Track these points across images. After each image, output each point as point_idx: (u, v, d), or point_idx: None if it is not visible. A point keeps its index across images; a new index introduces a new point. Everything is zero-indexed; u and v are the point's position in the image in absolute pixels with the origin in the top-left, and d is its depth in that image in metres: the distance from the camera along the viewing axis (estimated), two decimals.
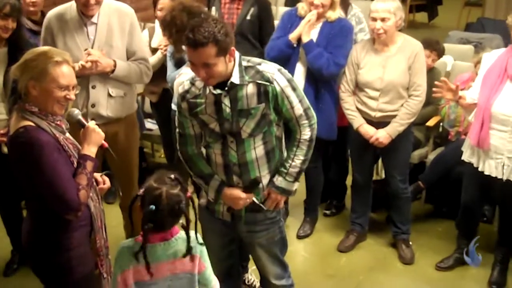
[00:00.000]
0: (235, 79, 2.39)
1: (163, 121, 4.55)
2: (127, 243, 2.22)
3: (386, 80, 3.57)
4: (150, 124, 5.06)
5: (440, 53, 4.50)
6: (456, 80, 4.34)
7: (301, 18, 3.65)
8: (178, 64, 3.96)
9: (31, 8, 4.07)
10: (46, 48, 2.39)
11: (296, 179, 2.59)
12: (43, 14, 3.78)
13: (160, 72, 4.15)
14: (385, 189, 3.96)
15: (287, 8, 5.51)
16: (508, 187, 3.30)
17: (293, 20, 3.71)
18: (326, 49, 3.61)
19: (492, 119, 3.22)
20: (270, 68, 2.45)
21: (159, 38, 4.39)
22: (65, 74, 2.27)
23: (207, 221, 2.72)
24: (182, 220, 2.21)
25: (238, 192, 2.52)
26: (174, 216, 2.15)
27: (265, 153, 2.54)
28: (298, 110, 2.50)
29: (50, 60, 2.24)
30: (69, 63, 2.31)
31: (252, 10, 4.07)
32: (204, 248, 2.31)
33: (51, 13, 3.24)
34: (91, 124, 2.43)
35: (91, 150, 2.36)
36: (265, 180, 2.58)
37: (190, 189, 3.34)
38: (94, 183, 2.43)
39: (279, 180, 2.58)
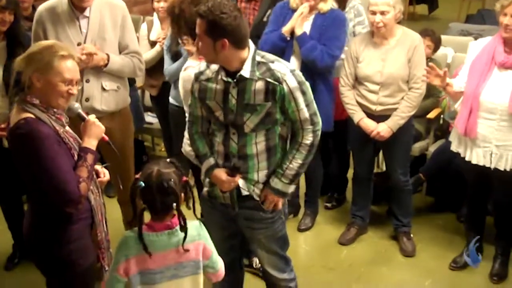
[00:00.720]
0: (245, 72, 2.39)
1: (163, 115, 4.54)
2: (131, 232, 2.22)
3: (386, 73, 3.55)
4: (150, 118, 5.05)
5: (436, 40, 4.45)
6: (456, 71, 4.32)
7: (294, 11, 3.62)
8: (175, 57, 3.95)
9: (25, 5, 4.03)
10: (51, 42, 2.41)
11: (292, 181, 2.57)
12: (34, 9, 3.76)
13: (159, 65, 4.14)
14: (386, 182, 3.96)
15: None
16: (497, 175, 3.30)
17: (285, 13, 3.69)
18: (320, 41, 3.58)
19: (480, 108, 3.21)
20: (282, 68, 2.43)
21: (158, 31, 4.38)
22: (70, 68, 2.28)
23: (209, 213, 2.72)
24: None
25: (222, 174, 2.52)
26: (164, 194, 2.14)
27: (266, 149, 2.53)
28: (304, 114, 2.48)
29: (55, 53, 2.26)
30: (74, 58, 2.32)
31: (269, 12, 4.01)
32: (205, 232, 2.31)
33: (42, 7, 3.22)
34: (91, 117, 2.44)
35: (91, 143, 2.36)
36: (262, 176, 2.57)
37: (191, 181, 3.33)
38: (95, 176, 2.43)
39: (274, 181, 2.57)
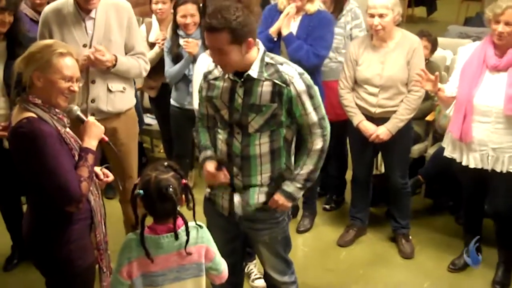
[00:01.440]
0: (253, 72, 2.40)
1: (162, 116, 4.55)
2: (134, 235, 2.22)
3: (385, 76, 3.56)
4: (149, 119, 5.06)
5: (432, 40, 4.45)
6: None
7: (281, 12, 3.63)
8: (176, 59, 3.97)
9: (37, 1, 4.05)
10: (50, 41, 2.41)
11: (303, 186, 2.58)
12: None
13: (158, 66, 4.16)
14: (385, 183, 3.96)
15: None
16: (494, 177, 3.29)
17: (273, 14, 3.70)
18: (306, 41, 3.59)
19: (474, 111, 3.21)
20: (290, 71, 2.43)
21: (157, 33, 4.39)
22: (69, 65, 2.30)
23: (211, 216, 2.72)
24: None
25: (210, 166, 2.53)
26: (163, 201, 2.14)
27: (269, 151, 2.53)
28: (312, 118, 2.49)
29: (54, 51, 2.27)
30: (73, 55, 2.33)
31: None
32: (208, 235, 2.31)
33: (48, 8, 3.23)
34: (91, 118, 2.45)
35: (91, 143, 2.37)
36: (265, 180, 2.58)
37: (190, 183, 3.34)
38: (94, 177, 2.43)
39: (286, 184, 2.58)
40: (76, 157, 2.31)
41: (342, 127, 3.95)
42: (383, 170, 4.39)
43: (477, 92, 3.20)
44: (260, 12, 3.13)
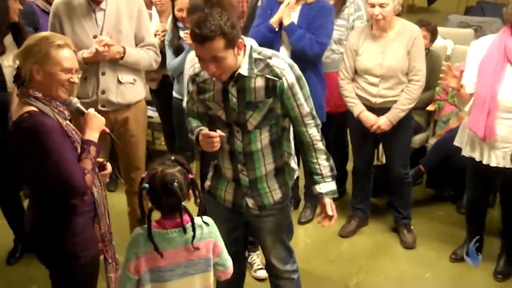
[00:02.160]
0: (243, 70, 2.37)
1: (163, 109, 4.55)
2: (141, 230, 2.21)
3: (386, 66, 3.55)
4: (150, 112, 5.03)
5: (432, 29, 4.43)
6: (456, 68, 4.31)
7: (280, 3, 3.62)
8: (177, 51, 3.95)
9: None
10: (47, 33, 2.40)
11: (333, 176, 2.59)
12: None
13: None
14: (386, 174, 3.96)
15: None
16: (508, 174, 3.25)
17: (272, 5, 3.68)
18: (308, 30, 3.59)
19: (498, 108, 3.11)
20: (280, 63, 2.41)
21: (157, 24, 4.38)
22: (68, 57, 2.28)
23: (212, 206, 2.72)
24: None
25: (206, 132, 2.47)
26: (168, 195, 2.13)
27: (270, 143, 2.52)
28: (304, 109, 2.47)
29: (52, 43, 2.26)
30: (71, 46, 2.32)
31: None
32: (216, 230, 2.31)
33: (58, 0, 3.22)
34: (91, 110, 2.44)
35: (93, 135, 2.37)
36: (270, 170, 2.57)
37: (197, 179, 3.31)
38: (97, 169, 2.44)
39: (321, 187, 2.57)
40: (79, 150, 2.31)
41: (342, 118, 3.95)
42: (384, 160, 4.39)
43: (501, 88, 3.10)
44: (232, 2, 3.09)
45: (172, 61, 3.93)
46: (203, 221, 2.26)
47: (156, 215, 2.24)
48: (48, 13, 3.92)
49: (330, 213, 2.58)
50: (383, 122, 3.60)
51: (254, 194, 2.61)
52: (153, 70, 3.60)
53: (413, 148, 4.29)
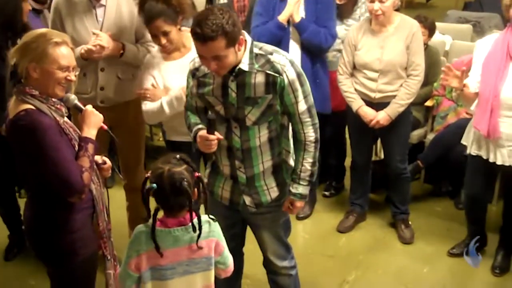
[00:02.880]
0: (244, 65, 2.36)
1: None
2: (143, 228, 2.20)
3: (385, 60, 3.55)
4: None
5: (429, 25, 4.42)
6: (454, 64, 4.29)
7: (281, 0, 3.62)
8: None
9: None
10: (44, 30, 2.37)
11: (310, 182, 2.58)
12: None
13: None
14: (384, 169, 3.96)
15: None
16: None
17: (273, 3, 3.67)
18: (317, 24, 3.61)
19: (501, 106, 3.10)
20: (281, 59, 2.40)
21: None
22: (65, 54, 2.26)
23: (211, 203, 2.72)
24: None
25: (202, 132, 2.47)
26: (177, 195, 2.12)
27: (268, 140, 2.52)
28: (302, 106, 2.46)
29: (49, 41, 2.23)
30: (68, 44, 2.29)
31: None
32: (218, 228, 2.30)
33: None
34: (89, 107, 2.42)
35: (91, 132, 2.35)
36: (268, 167, 2.57)
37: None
38: (95, 166, 2.43)
39: (295, 187, 2.57)
40: (76, 147, 2.30)
41: (341, 116, 3.96)
42: (382, 156, 4.39)
43: (504, 86, 3.09)
44: (192, 4, 3.10)
45: None
46: (209, 217, 2.26)
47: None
48: (36, 11, 3.93)
49: (285, 209, 2.63)
50: (382, 117, 3.60)
51: (251, 192, 2.61)
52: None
53: (411, 143, 4.29)
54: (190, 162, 2.19)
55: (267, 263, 2.86)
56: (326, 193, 4.50)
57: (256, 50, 2.40)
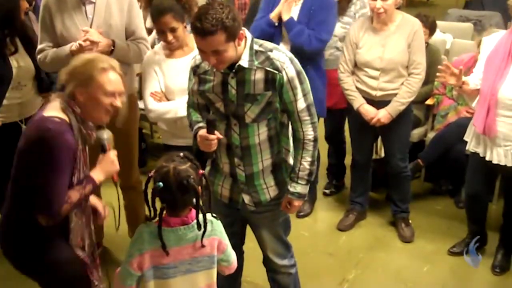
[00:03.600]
0: (244, 62, 2.36)
1: None
2: (146, 227, 2.19)
3: (386, 59, 3.54)
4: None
5: (429, 25, 4.41)
6: (454, 62, 4.30)
7: None
8: None
9: None
10: (92, 55, 2.38)
11: (308, 181, 2.57)
12: None
13: None
14: (385, 168, 3.96)
15: None
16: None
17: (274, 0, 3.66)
18: (308, 25, 3.55)
19: (499, 105, 3.10)
20: (281, 56, 2.40)
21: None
22: (112, 80, 2.27)
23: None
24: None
25: (202, 131, 2.48)
26: (184, 192, 2.11)
27: (268, 138, 2.51)
28: (301, 104, 2.45)
29: (96, 66, 2.25)
30: (116, 69, 2.30)
31: None
32: (221, 227, 2.30)
33: None
34: (112, 153, 2.41)
35: (100, 177, 2.34)
36: (267, 165, 2.57)
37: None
38: (85, 203, 2.40)
39: (293, 186, 2.56)
40: (75, 178, 2.26)
41: (340, 114, 3.95)
42: (382, 154, 4.39)
43: (502, 85, 3.08)
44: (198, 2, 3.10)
45: None
46: (212, 216, 2.26)
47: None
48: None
49: (283, 209, 2.62)
50: (383, 115, 3.60)
51: (250, 191, 2.61)
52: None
53: (412, 142, 4.29)
54: (193, 160, 2.19)
55: (266, 262, 2.85)
56: (326, 191, 4.50)
57: (256, 47, 2.40)
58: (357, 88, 3.68)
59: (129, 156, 3.46)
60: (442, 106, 4.41)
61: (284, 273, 2.85)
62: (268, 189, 2.61)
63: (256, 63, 2.38)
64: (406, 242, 3.88)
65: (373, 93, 3.62)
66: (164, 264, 2.19)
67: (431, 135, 4.39)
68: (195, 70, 2.52)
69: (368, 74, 3.62)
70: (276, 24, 3.58)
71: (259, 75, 2.38)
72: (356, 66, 3.69)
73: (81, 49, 3.04)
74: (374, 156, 4.23)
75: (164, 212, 2.19)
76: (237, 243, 2.85)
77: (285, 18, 3.55)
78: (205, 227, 2.18)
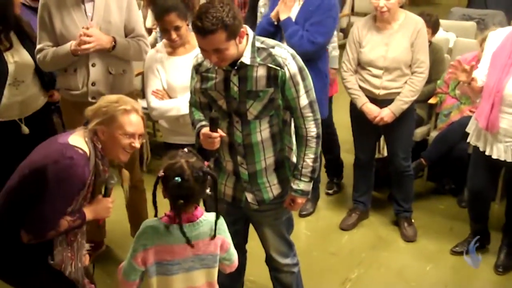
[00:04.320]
0: (246, 59, 2.36)
1: None
2: (152, 222, 2.21)
3: (390, 58, 3.54)
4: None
5: (432, 24, 4.40)
6: (464, 60, 4.28)
7: None
8: None
9: None
10: (116, 96, 2.45)
11: (312, 178, 2.57)
12: None
13: None
14: (388, 167, 3.95)
15: None
16: None
17: None
18: (304, 26, 3.52)
19: (503, 102, 3.09)
20: (283, 53, 2.39)
21: (153, 18, 4.35)
22: (133, 122, 2.35)
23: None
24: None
25: (205, 129, 2.48)
26: (201, 182, 2.14)
27: (270, 136, 2.51)
28: (304, 100, 2.45)
29: (119, 107, 2.33)
30: (138, 112, 2.39)
31: None
32: (224, 226, 2.31)
33: None
34: (110, 200, 2.46)
35: (90, 216, 2.38)
36: (270, 163, 2.57)
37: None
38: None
39: (296, 183, 2.56)
40: (70, 209, 2.29)
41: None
42: (385, 153, 4.38)
43: (508, 82, 3.07)
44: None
45: None
46: (217, 214, 2.27)
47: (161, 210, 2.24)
48: (28, 7, 3.90)
49: (286, 206, 2.62)
50: (386, 114, 3.59)
51: (253, 189, 2.60)
52: (143, 60, 3.57)
53: (415, 141, 4.28)
54: (196, 154, 2.21)
55: (269, 261, 2.85)
56: (330, 191, 4.48)
57: (258, 44, 2.40)
58: (360, 87, 3.67)
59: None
60: (445, 105, 4.40)
61: (287, 272, 2.85)
62: (271, 188, 2.61)
63: (258, 60, 2.37)
64: (408, 242, 3.88)
65: (376, 92, 3.61)
66: (168, 260, 2.20)
67: (434, 134, 4.38)
68: (197, 68, 2.53)
69: (371, 73, 3.61)
70: (276, 23, 3.57)
71: (261, 72, 2.38)
72: (359, 65, 3.68)
73: (82, 44, 3.03)
74: (377, 155, 4.22)
75: (170, 210, 2.20)
76: (240, 242, 2.85)
77: (282, 17, 3.53)
78: (215, 224, 2.20)
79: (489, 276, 3.53)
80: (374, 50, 3.57)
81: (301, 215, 4.14)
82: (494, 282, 3.50)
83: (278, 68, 2.37)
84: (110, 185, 2.46)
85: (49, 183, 2.19)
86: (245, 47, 2.37)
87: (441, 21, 4.69)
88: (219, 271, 2.33)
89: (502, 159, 3.21)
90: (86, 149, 2.27)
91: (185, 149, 2.20)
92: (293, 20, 3.53)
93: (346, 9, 7.74)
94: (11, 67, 3.23)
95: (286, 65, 2.38)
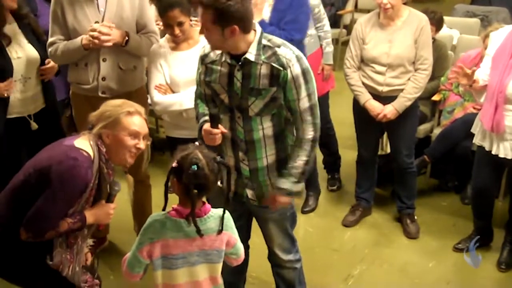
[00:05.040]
0: (250, 55, 2.36)
1: None
2: (159, 216, 2.22)
3: (393, 54, 3.53)
4: None
5: (436, 21, 4.39)
6: (461, 59, 4.28)
7: None
8: None
9: None
10: (119, 101, 2.48)
11: (299, 180, 2.54)
12: None
13: None
14: (391, 164, 3.95)
15: None
16: None
17: None
18: (279, 25, 3.45)
19: (506, 101, 3.09)
20: (288, 53, 2.38)
21: (156, 14, 4.34)
22: (137, 123, 2.38)
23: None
24: None
25: (207, 126, 2.48)
26: (217, 171, 2.16)
27: (272, 134, 2.51)
28: (304, 104, 2.43)
29: (122, 110, 2.37)
30: (142, 114, 2.42)
31: None
32: (231, 221, 2.33)
33: None
34: (112, 206, 2.48)
35: (90, 220, 2.39)
36: (271, 162, 2.56)
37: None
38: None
39: (281, 181, 2.54)
40: (71, 211, 2.31)
41: (323, 102, 3.85)
42: (388, 150, 4.38)
43: (510, 82, 3.06)
44: None
45: None
46: (220, 213, 2.28)
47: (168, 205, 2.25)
48: (46, 0, 3.89)
49: (266, 203, 2.60)
50: (389, 111, 3.59)
51: (254, 186, 2.60)
52: None
53: (418, 138, 4.27)
54: (205, 146, 2.24)
55: (272, 257, 2.86)
56: (333, 187, 4.48)
57: (264, 42, 2.40)
58: (363, 83, 3.67)
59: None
60: (448, 102, 4.40)
61: (289, 268, 2.85)
62: (272, 185, 2.60)
63: (262, 57, 2.37)
64: (411, 238, 3.88)
65: (380, 88, 3.61)
66: (174, 254, 2.21)
67: (437, 131, 4.37)
68: (203, 59, 2.54)
69: (375, 70, 3.61)
70: None
71: (264, 70, 2.38)
72: (363, 62, 3.67)
73: (97, 38, 3.04)
74: (379, 152, 4.22)
75: (178, 204, 2.22)
76: (243, 238, 2.83)
77: (254, 21, 3.49)
78: (222, 219, 2.22)
79: (492, 273, 3.53)
80: (378, 47, 3.57)
81: (303, 212, 4.15)
82: (496, 279, 3.50)
83: (281, 69, 2.36)
84: (114, 192, 2.48)
85: (52, 182, 2.21)
86: (252, 43, 2.37)
87: (445, 18, 4.67)
88: (222, 266, 2.34)
89: (509, 157, 3.20)
90: (91, 152, 2.29)
91: (196, 143, 2.24)
92: (267, 21, 3.45)
93: (350, 6, 7.73)
94: (15, 63, 3.23)
95: (289, 66, 2.37)
